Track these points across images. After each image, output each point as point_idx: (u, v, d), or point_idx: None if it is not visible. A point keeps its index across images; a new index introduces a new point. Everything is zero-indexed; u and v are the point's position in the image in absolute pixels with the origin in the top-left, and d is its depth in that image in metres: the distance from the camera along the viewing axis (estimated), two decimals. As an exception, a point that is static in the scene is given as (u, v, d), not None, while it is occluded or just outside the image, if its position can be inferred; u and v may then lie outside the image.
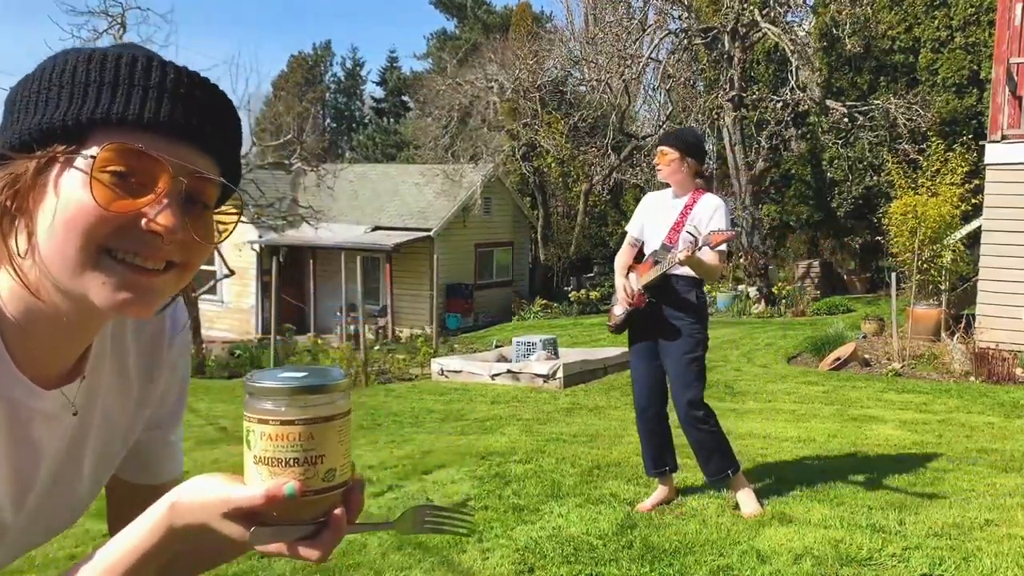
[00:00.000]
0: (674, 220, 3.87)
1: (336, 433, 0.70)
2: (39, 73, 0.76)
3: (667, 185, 3.99)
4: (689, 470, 4.53)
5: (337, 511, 0.71)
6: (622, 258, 4.06)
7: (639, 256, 4.05)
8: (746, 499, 3.88)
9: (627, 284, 3.93)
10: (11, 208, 0.74)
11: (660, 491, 4.04)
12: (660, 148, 3.93)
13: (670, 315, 3.86)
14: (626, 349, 4.12)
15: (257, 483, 0.70)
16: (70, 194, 0.72)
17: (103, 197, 0.71)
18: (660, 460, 4.05)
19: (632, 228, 4.09)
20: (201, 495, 0.72)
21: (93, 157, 0.71)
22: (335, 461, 0.70)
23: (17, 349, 0.78)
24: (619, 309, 4.04)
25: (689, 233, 3.75)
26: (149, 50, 0.79)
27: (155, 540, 0.73)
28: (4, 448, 0.79)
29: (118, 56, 0.74)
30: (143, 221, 0.72)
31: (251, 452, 0.70)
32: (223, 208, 0.81)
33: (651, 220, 3.98)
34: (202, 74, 0.77)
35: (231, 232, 0.82)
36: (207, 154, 0.76)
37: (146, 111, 0.72)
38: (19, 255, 0.75)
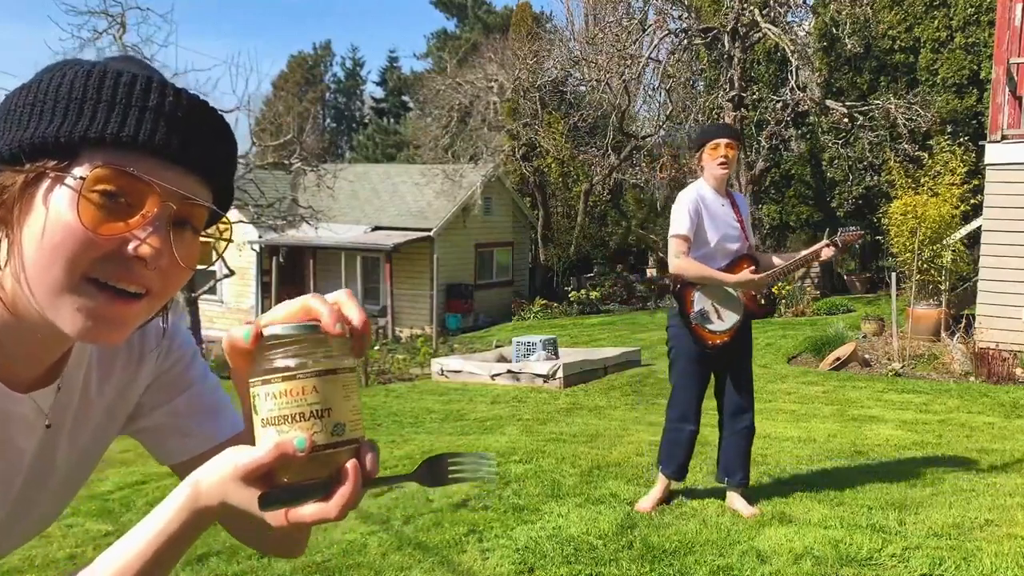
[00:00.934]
0: (738, 218, 3.80)
1: (341, 387, 0.70)
2: (35, 84, 0.75)
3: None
4: (689, 470, 4.53)
5: (349, 464, 0.69)
6: (693, 262, 3.68)
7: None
8: (743, 502, 3.90)
9: (759, 277, 3.69)
10: None
11: (661, 489, 4.03)
12: (728, 141, 3.69)
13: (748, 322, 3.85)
14: (627, 349, 4.13)
15: (266, 444, 0.68)
16: (58, 215, 0.71)
17: (90, 219, 0.70)
18: (687, 467, 4.04)
19: (689, 230, 3.67)
20: (218, 469, 0.70)
21: (83, 178, 0.70)
22: (343, 415, 0.69)
23: None
24: (725, 323, 3.75)
25: (834, 240, 3.75)
26: (151, 68, 0.78)
27: (180, 523, 0.72)
28: None
29: (117, 74, 0.73)
30: (129, 246, 0.72)
31: (258, 417, 0.69)
32: (212, 232, 0.80)
33: (712, 222, 3.72)
34: (201, 97, 0.76)
35: (217, 259, 0.82)
36: (199, 177, 0.75)
37: (140, 132, 0.71)
38: (1, 267, 0.74)
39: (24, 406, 0.81)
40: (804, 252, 3.88)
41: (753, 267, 3.74)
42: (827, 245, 3.76)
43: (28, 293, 0.73)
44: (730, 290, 3.73)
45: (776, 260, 3.91)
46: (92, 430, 0.92)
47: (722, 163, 3.69)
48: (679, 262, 3.67)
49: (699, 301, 3.74)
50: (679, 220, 3.68)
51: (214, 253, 0.81)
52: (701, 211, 3.68)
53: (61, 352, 0.84)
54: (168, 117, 0.73)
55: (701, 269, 3.67)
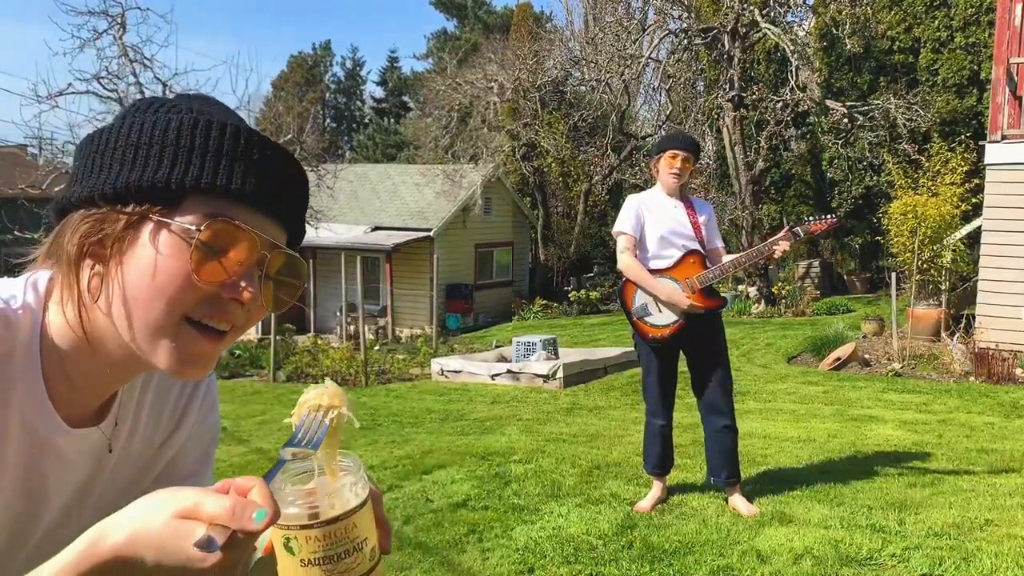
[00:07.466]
0: (690, 220, 3.88)
1: (369, 512, 0.72)
2: (136, 124, 0.77)
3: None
4: (688, 470, 4.54)
5: None
6: (636, 262, 3.88)
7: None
8: (742, 501, 3.90)
9: (688, 285, 3.77)
10: (87, 252, 0.76)
11: (657, 489, 4.04)
12: (684, 154, 3.85)
13: (708, 317, 3.84)
14: (627, 349, 4.14)
15: None
16: (164, 259, 0.74)
17: (199, 267, 0.74)
18: (668, 461, 4.06)
19: (632, 230, 3.90)
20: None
21: (196, 228, 0.74)
22: (374, 538, 0.72)
23: (54, 386, 0.79)
24: (665, 318, 3.83)
25: (794, 230, 3.77)
26: (234, 113, 0.84)
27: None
28: (13, 479, 0.78)
29: (222, 126, 0.77)
30: (225, 289, 0.76)
31: (296, 557, 0.68)
32: (286, 277, 0.83)
33: (656, 221, 3.88)
34: (283, 145, 0.81)
35: (294, 301, 0.84)
36: (280, 224, 0.81)
37: (236, 182, 0.76)
38: (92, 300, 0.77)
39: (75, 440, 0.82)
40: (756, 248, 3.91)
41: (696, 261, 3.84)
42: (783, 237, 3.73)
43: (124, 328, 0.76)
44: (674, 286, 3.82)
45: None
46: (148, 457, 0.93)
47: (674, 174, 3.86)
48: (625, 259, 3.88)
49: (641, 296, 3.90)
50: (621, 219, 3.92)
51: (293, 294, 0.84)
52: (642, 211, 3.89)
53: (119, 388, 0.86)
54: (262, 169, 0.78)
55: (640, 274, 3.85)
